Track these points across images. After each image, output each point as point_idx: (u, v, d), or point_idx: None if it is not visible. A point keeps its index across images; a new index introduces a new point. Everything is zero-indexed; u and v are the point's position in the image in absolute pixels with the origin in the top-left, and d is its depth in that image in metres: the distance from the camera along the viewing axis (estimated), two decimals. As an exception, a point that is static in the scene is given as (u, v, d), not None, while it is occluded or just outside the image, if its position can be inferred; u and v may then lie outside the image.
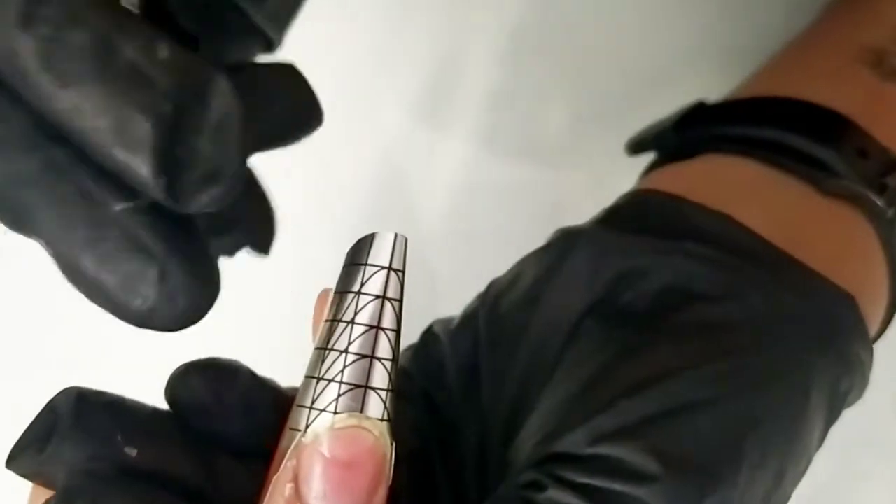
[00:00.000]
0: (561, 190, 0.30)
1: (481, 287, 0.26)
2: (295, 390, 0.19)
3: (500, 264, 0.26)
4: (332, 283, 0.19)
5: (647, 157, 0.30)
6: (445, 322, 0.25)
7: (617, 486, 0.18)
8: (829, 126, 0.25)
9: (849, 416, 0.37)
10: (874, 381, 0.39)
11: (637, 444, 0.19)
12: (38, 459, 0.18)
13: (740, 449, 0.19)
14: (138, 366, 0.21)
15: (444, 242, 0.35)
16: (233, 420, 0.19)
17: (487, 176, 0.36)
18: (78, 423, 0.18)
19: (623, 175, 0.30)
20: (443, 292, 0.30)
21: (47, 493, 0.19)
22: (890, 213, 0.24)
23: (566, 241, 0.24)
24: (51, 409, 0.19)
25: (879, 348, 0.25)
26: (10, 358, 0.38)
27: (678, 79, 0.30)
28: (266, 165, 0.25)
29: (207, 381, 0.19)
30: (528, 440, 0.21)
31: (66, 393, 0.19)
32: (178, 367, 0.20)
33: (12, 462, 0.18)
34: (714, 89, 0.29)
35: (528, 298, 0.23)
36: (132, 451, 0.18)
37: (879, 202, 0.24)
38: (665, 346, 0.20)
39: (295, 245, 0.37)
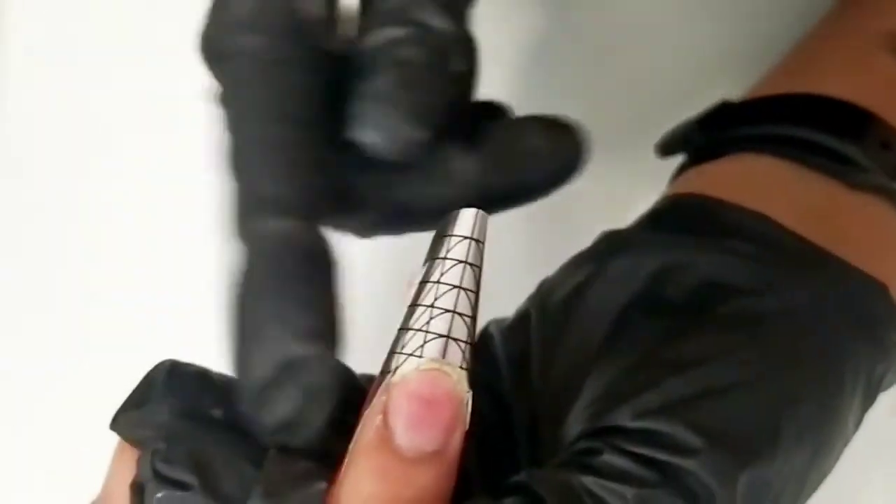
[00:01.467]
0: (576, 186, 0.30)
1: (496, 280, 0.26)
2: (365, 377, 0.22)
3: (515, 259, 0.26)
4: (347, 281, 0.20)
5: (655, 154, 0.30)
6: (500, 321, 0.26)
7: (664, 457, 0.20)
8: (851, 121, 0.26)
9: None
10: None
11: (679, 420, 0.20)
12: (135, 420, 0.21)
13: (777, 427, 0.21)
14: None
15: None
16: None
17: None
18: (169, 388, 0.21)
19: (633, 173, 0.31)
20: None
21: (132, 459, 0.21)
22: None
23: (610, 242, 0.25)
24: (147, 379, 0.22)
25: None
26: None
27: (691, 76, 0.30)
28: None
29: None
30: (576, 420, 0.22)
31: (161, 365, 0.22)
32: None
33: (114, 424, 0.21)
34: (732, 86, 0.30)
35: (575, 293, 0.24)
36: (218, 412, 0.21)
37: None
38: (705, 333, 0.22)
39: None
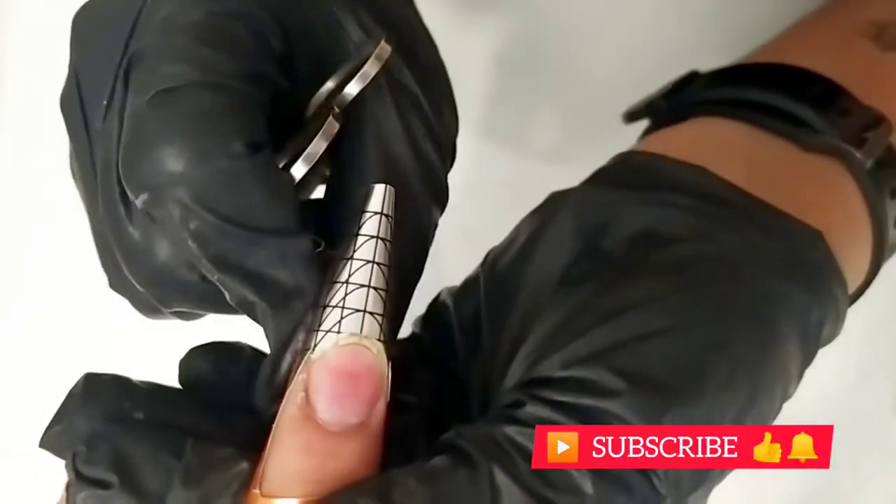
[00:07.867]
0: (557, 186, 0.31)
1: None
2: None
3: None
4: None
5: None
6: (450, 289, 0.26)
7: (586, 401, 0.20)
8: (810, 86, 0.26)
9: (849, 416, 0.38)
10: (874, 382, 0.39)
11: (604, 366, 0.20)
12: (59, 434, 0.21)
13: (703, 369, 0.20)
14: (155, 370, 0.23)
15: (445, 240, 0.35)
16: (240, 390, 0.22)
17: (485, 174, 0.36)
18: (87, 398, 0.21)
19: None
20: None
21: None
22: (869, 164, 0.25)
23: (555, 201, 0.25)
24: (68, 394, 0.22)
25: (878, 349, 0.25)
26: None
27: (676, 73, 0.30)
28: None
29: (212, 359, 0.22)
30: (512, 377, 0.22)
31: (78, 379, 0.22)
32: (185, 353, 0.22)
33: (42, 442, 0.21)
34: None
35: (522, 254, 0.24)
36: (139, 415, 0.21)
37: (858, 155, 0.25)
38: (636, 281, 0.22)
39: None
